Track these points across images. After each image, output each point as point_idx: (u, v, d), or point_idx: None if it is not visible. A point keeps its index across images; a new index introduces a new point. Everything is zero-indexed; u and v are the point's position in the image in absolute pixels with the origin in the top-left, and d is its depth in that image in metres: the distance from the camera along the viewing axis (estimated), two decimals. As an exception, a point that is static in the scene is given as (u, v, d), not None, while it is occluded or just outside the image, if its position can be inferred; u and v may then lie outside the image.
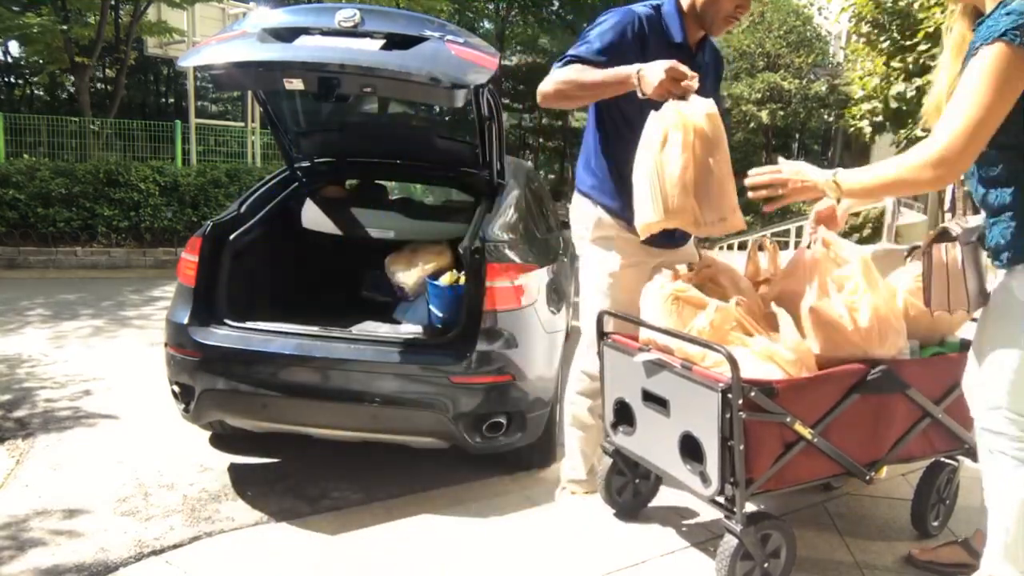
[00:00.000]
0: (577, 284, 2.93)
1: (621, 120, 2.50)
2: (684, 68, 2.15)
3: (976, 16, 1.81)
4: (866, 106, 10.20)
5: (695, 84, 2.14)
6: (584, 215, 2.66)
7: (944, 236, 1.98)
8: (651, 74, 2.16)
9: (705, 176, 2.12)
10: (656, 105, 2.23)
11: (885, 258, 2.53)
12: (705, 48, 2.58)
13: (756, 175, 1.99)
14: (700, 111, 2.12)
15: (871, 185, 1.84)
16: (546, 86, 2.38)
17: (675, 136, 2.11)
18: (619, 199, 2.56)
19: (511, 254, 3.09)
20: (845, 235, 2.89)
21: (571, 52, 2.39)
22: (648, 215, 2.18)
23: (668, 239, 2.66)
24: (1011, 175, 1.76)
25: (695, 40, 2.53)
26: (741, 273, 2.49)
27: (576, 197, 2.72)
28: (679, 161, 2.10)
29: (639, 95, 2.21)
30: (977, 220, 1.97)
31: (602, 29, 2.40)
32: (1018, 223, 1.77)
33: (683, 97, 2.14)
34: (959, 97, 1.67)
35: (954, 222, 2.04)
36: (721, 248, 16.24)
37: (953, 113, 1.67)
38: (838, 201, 2.04)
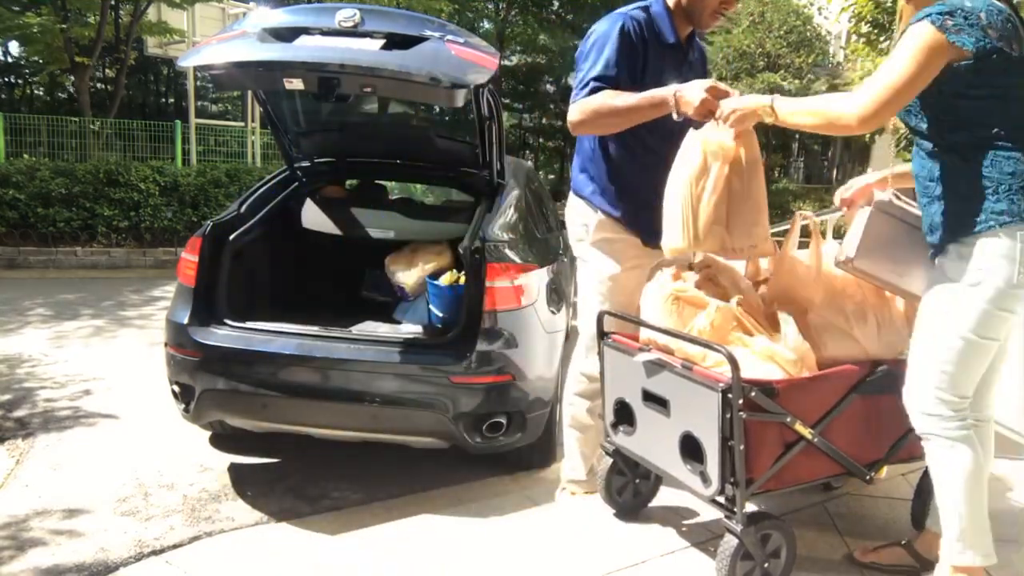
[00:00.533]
0: (576, 284, 2.92)
1: (633, 135, 2.48)
2: (723, 86, 2.17)
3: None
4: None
5: (735, 101, 2.15)
6: (583, 217, 2.65)
7: (871, 198, 2.15)
8: (690, 94, 2.16)
9: (740, 205, 2.15)
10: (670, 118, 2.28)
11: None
12: (693, 44, 2.59)
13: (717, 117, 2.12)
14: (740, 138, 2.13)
15: (800, 112, 2.00)
16: (578, 115, 2.37)
17: (714, 165, 2.13)
18: (620, 204, 2.56)
19: (511, 254, 3.09)
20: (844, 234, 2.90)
21: (590, 76, 2.36)
22: (677, 241, 2.20)
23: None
24: (941, 162, 1.90)
25: (684, 36, 2.53)
26: (741, 273, 2.49)
27: (574, 200, 2.70)
28: (715, 193, 2.12)
29: (675, 117, 2.21)
30: (911, 206, 2.13)
31: (604, 43, 2.38)
32: (947, 206, 1.87)
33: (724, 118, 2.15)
34: (888, 61, 1.86)
35: (890, 193, 2.16)
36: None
37: (880, 73, 1.86)
38: (764, 112, 2.09)
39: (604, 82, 2.35)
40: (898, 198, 2.15)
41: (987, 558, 1.95)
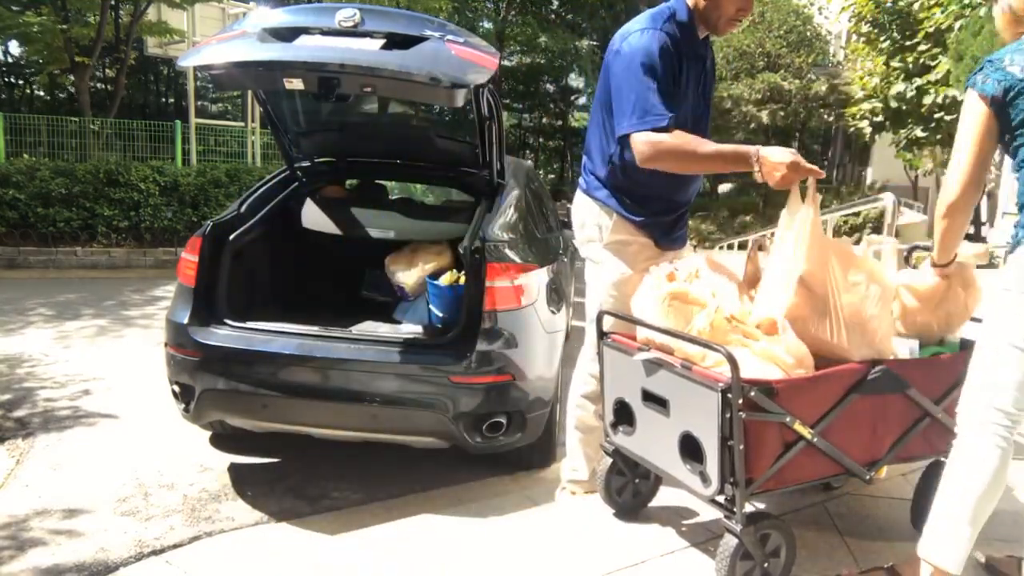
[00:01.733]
0: (578, 284, 2.92)
1: None
2: (807, 165, 2.14)
3: None
4: (866, 106, 10.21)
5: (821, 174, 2.18)
6: (597, 219, 2.61)
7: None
8: (773, 161, 2.15)
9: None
10: (700, 95, 2.40)
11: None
12: (709, 50, 2.59)
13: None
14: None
15: (942, 244, 2.15)
16: (651, 152, 2.29)
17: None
18: (635, 207, 2.55)
19: (511, 254, 3.09)
20: (844, 233, 2.91)
21: (656, 112, 2.28)
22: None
23: (673, 240, 2.67)
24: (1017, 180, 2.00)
25: (701, 40, 2.53)
26: (735, 273, 2.48)
27: (585, 200, 2.66)
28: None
29: (756, 178, 2.21)
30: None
31: (651, 65, 2.31)
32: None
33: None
34: (957, 138, 2.01)
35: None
36: (721, 248, 16.24)
37: (954, 154, 2.01)
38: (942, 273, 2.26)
39: (671, 118, 2.29)
40: None
41: (957, 567, 1.93)
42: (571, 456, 2.84)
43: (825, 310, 2.13)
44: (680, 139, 2.28)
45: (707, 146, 2.28)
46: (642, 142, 2.30)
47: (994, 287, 1.95)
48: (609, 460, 2.57)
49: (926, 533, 1.99)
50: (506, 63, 23.87)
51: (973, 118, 1.95)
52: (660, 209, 2.58)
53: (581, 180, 2.71)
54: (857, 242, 6.16)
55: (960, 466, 1.96)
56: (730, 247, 16.06)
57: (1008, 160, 2.02)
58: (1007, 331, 1.88)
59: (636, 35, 2.37)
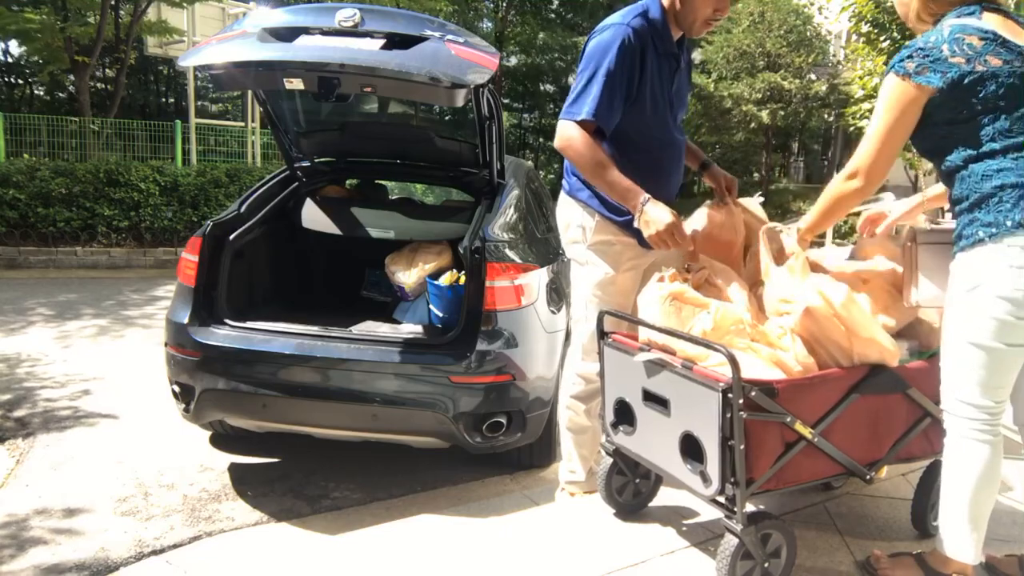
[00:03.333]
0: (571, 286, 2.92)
1: (625, 137, 2.47)
2: (684, 234, 2.31)
3: None
4: (866, 105, 10.19)
5: (688, 248, 2.32)
6: (579, 220, 2.62)
7: (912, 235, 2.20)
8: (653, 218, 2.28)
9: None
10: (676, 94, 2.47)
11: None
12: (683, 49, 2.57)
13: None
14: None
15: (817, 215, 2.15)
16: (563, 143, 2.40)
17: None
18: (617, 207, 2.53)
19: (511, 254, 3.09)
20: (844, 234, 2.91)
21: (586, 110, 2.34)
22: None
23: None
24: (952, 180, 1.98)
25: (676, 40, 2.52)
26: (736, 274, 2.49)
27: (568, 201, 2.66)
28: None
29: (635, 223, 2.33)
30: (951, 224, 2.11)
31: (603, 60, 2.35)
32: (962, 218, 1.94)
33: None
34: (872, 120, 2.00)
35: (925, 222, 2.23)
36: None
37: (866, 133, 2.00)
38: (804, 244, 2.21)
39: (600, 122, 2.35)
40: (932, 221, 2.21)
41: (974, 558, 1.98)
42: (567, 458, 2.84)
43: (828, 334, 2.14)
44: (588, 149, 2.35)
45: (605, 170, 2.35)
46: (561, 128, 2.41)
47: (956, 286, 1.94)
48: (609, 460, 2.56)
49: (940, 533, 2.03)
50: (506, 63, 23.87)
51: (902, 104, 1.91)
52: None
53: (564, 182, 2.71)
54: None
55: (951, 465, 2.00)
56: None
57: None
58: (968, 331, 1.89)
59: (603, 29, 2.43)
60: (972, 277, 1.87)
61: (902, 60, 1.92)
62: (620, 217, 2.53)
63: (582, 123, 2.35)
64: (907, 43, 1.97)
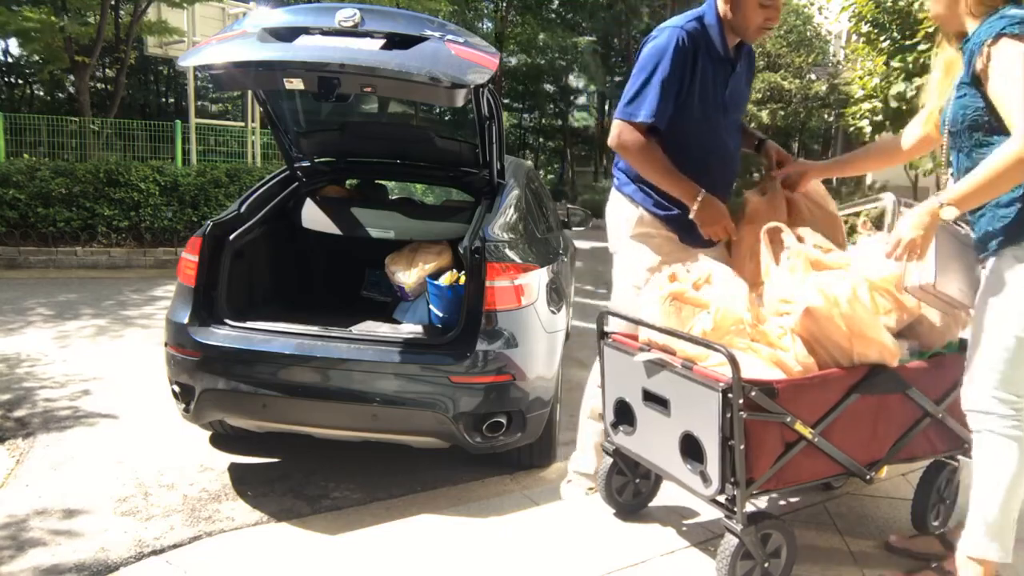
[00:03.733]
0: (578, 284, 2.93)
1: (671, 138, 2.52)
2: (729, 228, 2.52)
3: (961, 38, 2.03)
4: (866, 106, 10.19)
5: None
6: (624, 212, 2.71)
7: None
8: (709, 214, 2.48)
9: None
10: (730, 100, 2.57)
11: None
12: (741, 54, 2.61)
13: (892, 256, 2.03)
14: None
15: (976, 186, 1.88)
16: (620, 143, 2.50)
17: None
18: (660, 202, 2.62)
19: (511, 254, 3.09)
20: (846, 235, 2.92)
21: (644, 112, 2.43)
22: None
23: (698, 236, 2.70)
24: None
25: (733, 47, 2.57)
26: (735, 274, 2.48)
27: (616, 196, 2.76)
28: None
29: (691, 215, 2.49)
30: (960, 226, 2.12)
31: (658, 63, 2.44)
32: (1004, 212, 1.92)
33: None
34: (1007, 97, 1.82)
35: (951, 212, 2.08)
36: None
37: (1014, 110, 1.80)
38: (941, 212, 1.98)
39: (656, 120, 2.43)
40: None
41: (1005, 556, 1.98)
42: (581, 449, 2.86)
43: (828, 334, 2.14)
44: (644, 150, 2.47)
45: (661, 168, 2.48)
46: (616, 128, 2.51)
47: (1008, 278, 1.92)
48: (610, 460, 2.57)
49: (968, 533, 2.01)
50: (506, 63, 23.87)
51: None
52: (683, 213, 2.60)
53: (613, 179, 2.81)
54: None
55: (986, 464, 1.98)
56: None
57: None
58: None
59: (658, 33, 2.51)
60: None
61: (1013, 23, 1.83)
62: (663, 211, 2.62)
63: (637, 125, 2.45)
64: (993, 17, 1.88)
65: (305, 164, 3.89)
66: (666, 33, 2.47)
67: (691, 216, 2.49)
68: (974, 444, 2.02)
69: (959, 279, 2.10)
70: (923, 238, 1.96)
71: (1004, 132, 1.86)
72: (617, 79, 24.48)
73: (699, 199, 2.46)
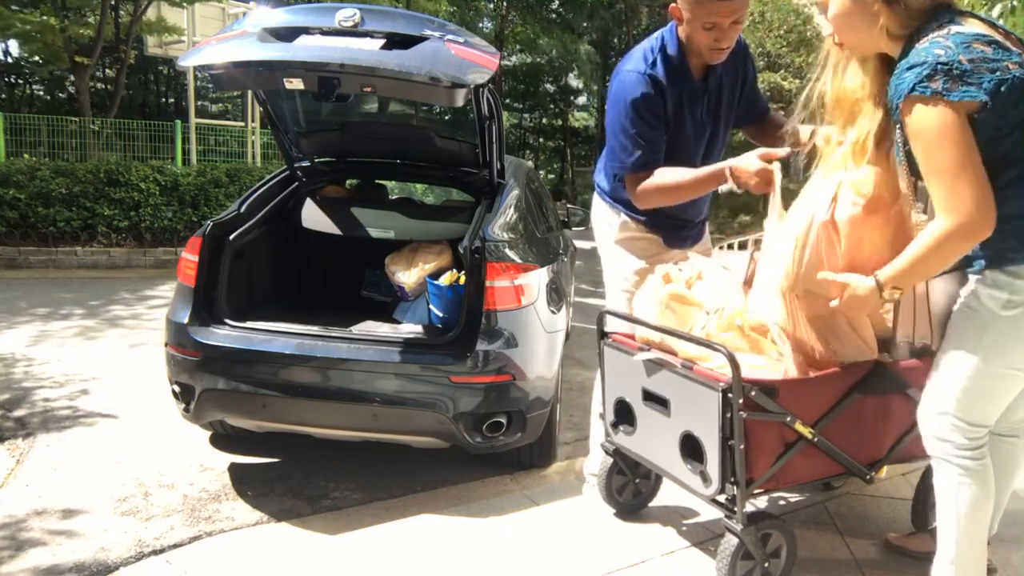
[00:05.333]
0: (578, 284, 2.94)
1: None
2: (773, 150, 2.24)
3: (885, 63, 1.89)
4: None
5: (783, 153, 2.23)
6: (607, 217, 2.76)
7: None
8: (746, 165, 2.23)
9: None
10: (702, 119, 2.47)
11: None
12: (716, 72, 2.55)
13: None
14: None
15: (911, 263, 1.78)
16: (638, 193, 2.45)
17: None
18: (642, 213, 2.64)
19: (511, 254, 3.09)
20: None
21: (638, 155, 2.42)
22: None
23: (683, 239, 2.72)
24: None
25: (700, 68, 2.52)
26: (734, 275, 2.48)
27: (597, 200, 2.79)
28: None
29: (735, 189, 2.28)
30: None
31: (629, 107, 2.41)
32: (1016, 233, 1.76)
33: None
34: (928, 167, 1.70)
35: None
36: (721, 248, 16.24)
37: (936, 183, 1.69)
38: (886, 296, 1.86)
39: (654, 167, 2.41)
40: None
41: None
42: (594, 451, 2.86)
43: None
44: (659, 177, 2.41)
45: (685, 175, 2.39)
46: (631, 185, 2.47)
47: (984, 304, 1.79)
48: (610, 460, 2.57)
49: (937, 563, 1.95)
50: (506, 63, 23.87)
51: (955, 131, 1.65)
52: (663, 213, 2.64)
53: (595, 183, 2.84)
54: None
55: (940, 496, 1.92)
56: (730, 247, 16.03)
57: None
58: (1006, 355, 1.78)
59: (624, 76, 2.46)
60: (1016, 299, 1.73)
61: (922, 82, 1.66)
62: (644, 216, 2.65)
63: (640, 176, 2.44)
64: (905, 63, 1.72)
65: (305, 164, 3.89)
66: (631, 79, 2.42)
67: (730, 186, 2.29)
68: (935, 472, 1.93)
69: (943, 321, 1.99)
70: (860, 313, 1.99)
71: None
72: (617, 79, 24.40)
73: (728, 174, 2.28)
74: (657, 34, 2.51)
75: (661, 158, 2.45)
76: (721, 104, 2.62)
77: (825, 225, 1.95)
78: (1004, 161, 1.71)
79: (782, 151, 2.26)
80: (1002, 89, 1.64)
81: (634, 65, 2.46)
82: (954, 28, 1.70)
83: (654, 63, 2.45)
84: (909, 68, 1.70)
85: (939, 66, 1.65)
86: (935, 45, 1.67)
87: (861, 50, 1.91)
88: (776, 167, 2.22)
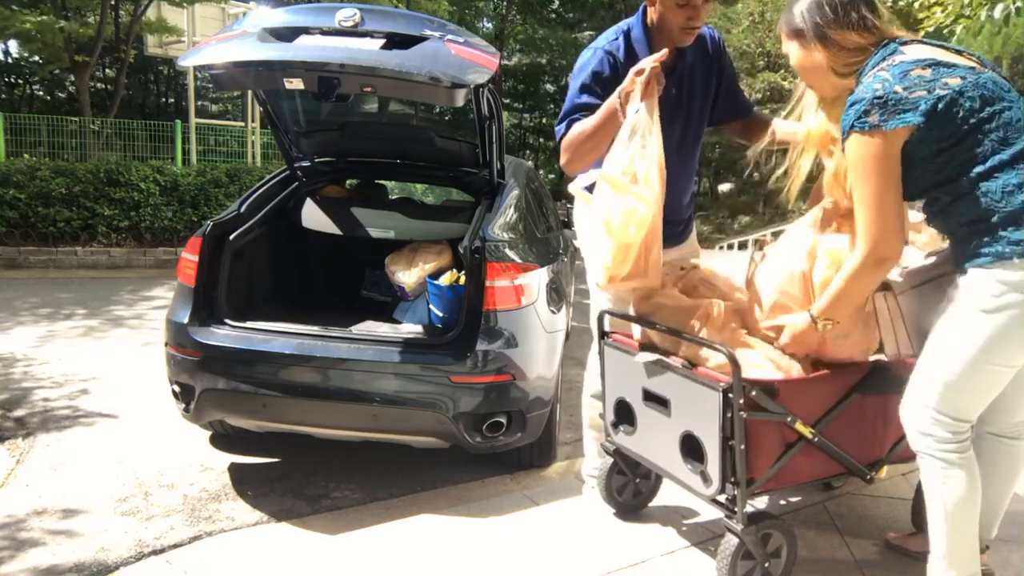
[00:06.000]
0: (578, 284, 2.94)
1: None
2: (648, 59, 2.16)
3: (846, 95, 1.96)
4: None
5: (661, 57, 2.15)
6: (588, 212, 2.64)
7: (883, 286, 2.05)
8: (626, 83, 2.18)
9: None
10: (672, 106, 2.39)
11: None
12: (686, 55, 2.53)
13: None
14: None
15: (834, 297, 1.95)
16: (563, 155, 2.47)
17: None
18: None
19: (511, 254, 3.09)
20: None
21: (561, 117, 2.45)
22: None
23: (667, 238, 2.68)
24: (941, 206, 1.89)
25: (673, 53, 2.46)
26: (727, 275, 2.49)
27: (578, 196, 2.70)
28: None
29: (631, 111, 2.19)
30: (931, 259, 2.07)
31: (577, 80, 2.45)
32: (970, 230, 1.83)
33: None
34: (856, 192, 1.85)
35: (898, 269, 2.07)
36: (721, 248, 16.24)
37: (859, 209, 1.85)
38: (820, 328, 2.02)
39: (575, 115, 2.41)
40: (902, 268, 2.08)
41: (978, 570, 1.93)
42: (589, 456, 2.86)
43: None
44: (569, 133, 2.41)
45: (585, 123, 2.36)
46: (562, 154, 2.48)
47: (965, 302, 1.83)
48: (610, 460, 2.57)
49: (931, 560, 1.95)
50: (506, 63, 23.87)
51: (882, 161, 1.79)
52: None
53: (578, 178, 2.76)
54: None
55: (927, 492, 1.93)
56: (730, 247, 16.03)
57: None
58: (986, 351, 1.80)
59: (584, 52, 2.50)
60: (995, 296, 1.77)
61: (860, 118, 1.80)
62: None
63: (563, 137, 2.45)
64: (850, 100, 1.85)
65: (305, 164, 3.89)
66: (589, 53, 2.46)
67: (634, 109, 2.20)
68: (920, 468, 1.94)
69: (931, 323, 1.99)
70: (803, 349, 2.08)
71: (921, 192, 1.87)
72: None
73: (617, 100, 2.23)
74: (621, 24, 2.53)
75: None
76: (693, 94, 2.57)
77: (803, 276, 2.10)
78: (962, 167, 1.80)
79: (661, 53, 2.18)
80: (939, 107, 1.75)
81: (596, 43, 2.50)
82: (897, 58, 1.83)
83: (615, 41, 2.47)
84: (851, 105, 1.83)
85: (875, 100, 1.78)
86: (875, 80, 1.81)
87: (821, 91, 2.07)
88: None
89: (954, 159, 1.80)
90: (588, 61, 2.45)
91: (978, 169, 1.78)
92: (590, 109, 2.36)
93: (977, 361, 1.81)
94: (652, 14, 2.43)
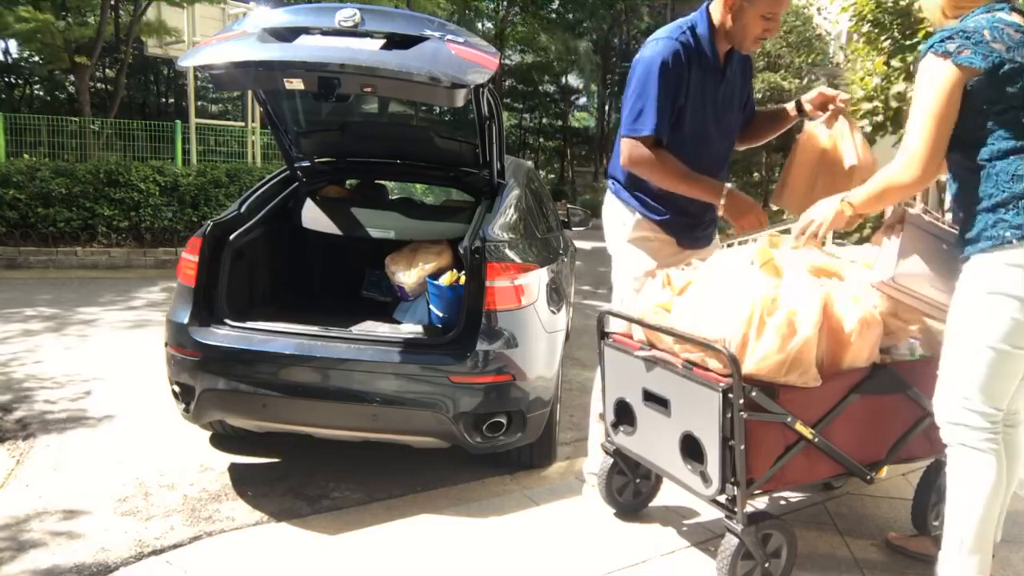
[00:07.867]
0: (578, 285, 2.94)
1: (667, 145, 2.54)
2: (764, 216, 2.47)
3: None
4: (866, 106, 10.19)
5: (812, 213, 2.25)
6: (620, 216, 2.75)
7: (901, 215, 2.14)
8: (739, 210, 2.47)
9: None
10: (720, 108, 2.57)
11: None
12: (733, 58, 2.62)
13: (796, 236, 2.23)
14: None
15: (870, 194, 2.05)
16: (631, 160, 2.51)
17: None
18: (655, 207, 2.66)
19: (511, 254, 3.09)
20: (846, 235, 2.93)
21: (645, 126, 2.45)
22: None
23: (696, 239, 2.72)
24: (954, 173, 2.00)
25: (724, 54, 2.58)
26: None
27: (611, 199, 2.79)
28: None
29: (720, 212, 2.51)
30: (946, 218, 2.14)
31: (648, 79, 2.46)
32: (976, 217, 1.90)
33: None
34: (913, 109, 1.95)
35: (920, 208, 2.16)
36: (731, 245, 16.23)
37: (911, 125, 1.94)
38: (852, 218, 2.13)
39: (658, 133, 2.46)
40: (927, 212, 2.14)
41: (983, 572, 1.94)
42: (594, 453, 2.86)
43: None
44: (660, 162, 2.48)
45: (682, 175, 2.48)
46: (625, 147, 2.52)
47: (973, 287, 1.88)
48: (610, 460, 2.57)
49: (945, 549, 1.96)
50: (506, 63, 23.86)
51: (947, 86, 1.86)
52: (676, 207, 2.65)
53: (608, 182, 2.84)
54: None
55: (963, 480, 1.93)
56: (729, 246, 16.01)
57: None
58: (988, 334, 1.85)
59: (652, 44, 2.51)
60: (995, 279, 1.82)
61: (942, 40, 1.88)
62: (658, 216, 2.67)
63: (644, 139, 2.47)
64: (942, 29, 1.94)
65: (305, 164, 3.89)
66: (660, 45, 2.48)
67: (720, 213, 2.51)
68: (948, 459, 1.96)
69: (935, 278, 2.06)
70: (825, 227, 2.12)
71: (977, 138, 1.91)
72: (617, 78, 24.48)
73: (725, 194, 2.47)
74: (688, 16, 2.56)
75: (665, 132, 2.47)
76: (734, 96, 2.68)
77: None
78: (990, 135, 1.87)
79: (765, 223, 2.51)
80: (1004, 68, 1.82)
81: (666, 34, 2.52)
82: (999, 14, 1.90)
83: (684, 35, 2.50)
84: (941, 32, 1.91)
85: (960, 32, 1.87)
86: (971, 20, 1.90)
87: (930, 19, 2.16)
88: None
89: (986, 124, 1.87)
90: (661, 52, 2.46)
91: (1003, 146, 1.84)
92: (663, 110, 2.43)
93: (1004, 344, 1.84)
94: (725, 18, 2.47)
